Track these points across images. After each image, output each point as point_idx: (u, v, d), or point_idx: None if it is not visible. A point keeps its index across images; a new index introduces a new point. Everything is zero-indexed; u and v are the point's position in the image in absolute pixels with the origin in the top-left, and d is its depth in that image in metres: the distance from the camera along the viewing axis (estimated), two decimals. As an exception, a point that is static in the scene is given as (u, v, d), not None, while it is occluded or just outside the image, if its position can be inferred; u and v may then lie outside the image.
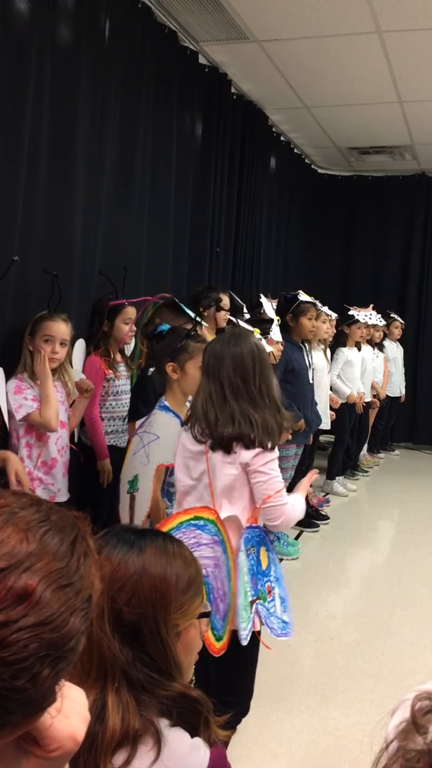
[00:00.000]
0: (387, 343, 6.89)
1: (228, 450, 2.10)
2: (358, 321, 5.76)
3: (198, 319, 2.98)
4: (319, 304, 4.86)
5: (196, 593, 1.25)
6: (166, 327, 2.82)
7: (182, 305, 3.11)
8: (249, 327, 3.14)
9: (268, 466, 2.10)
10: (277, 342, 3.81)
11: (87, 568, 0.74)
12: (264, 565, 2.17)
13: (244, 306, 4.46)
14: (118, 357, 3.47)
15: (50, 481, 2.93)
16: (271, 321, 3.73)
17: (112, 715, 1.09)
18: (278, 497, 2.11)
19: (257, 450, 2.08)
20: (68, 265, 3.23)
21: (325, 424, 5.33)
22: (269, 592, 2.16)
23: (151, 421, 2.75)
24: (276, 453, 2.12)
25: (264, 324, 3.63)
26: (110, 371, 3.38)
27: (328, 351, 5.47)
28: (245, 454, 2.09)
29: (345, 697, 2.89)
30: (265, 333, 3.55)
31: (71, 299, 3.18)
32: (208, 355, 2.18)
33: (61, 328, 2.90)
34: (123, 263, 3.61)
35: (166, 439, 2.63)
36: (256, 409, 2.09)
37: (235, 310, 4.04)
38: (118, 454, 3.30)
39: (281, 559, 4.33)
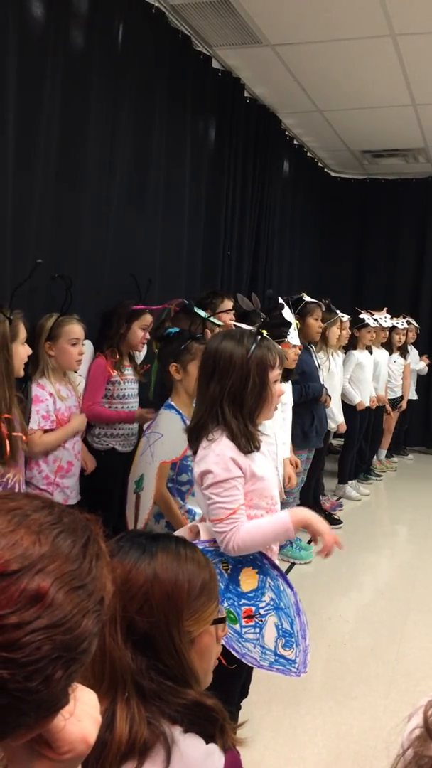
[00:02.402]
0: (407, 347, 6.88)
1: (194, 443, 2.04)
2: (368, 325, 5.75)
3: (213, 320, 3.01)
4: (322, 309, 4.82)
5: (210, 598, 1.23)
6: (173, 330, 2.86)
7: (195, 308, 3.13)
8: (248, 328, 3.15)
9: (211, 489, 1.96)
10: (294, 346, 3.79)
11: (99, 570, 0.74)
12: (245, 587, 2.00)
13: (258, 308, 4.44)
14: (126, 361, 3.48)
15: (66, 485, 2.96)
16: (289, 324, 3.72)
17: (119, 725, 1.08)
18: (219, 524, 1.95)
19: (202, 469, 1.98)
20: (77, 268, 3.24)
21: (341, 423, 5.31)
22: (249, 616, 1.98)
23: (156, 421, 2.80)
24: (230, 475, 1.96)
25: (282, 328, 3.62)
26: (115, 372, 3.38)
27: (337, 354, 5.44)
28: (196, 468, 2.02)
29: (358, 703, 2.87)
30: (281, 336, 3.54)
31: (79, 301, 3.19)
32: (204, 350, 2.16)
33: (81, 330, 2.97)
34: (136, 267, 3.63)
35: (168, 435, 2.70)
36: (230, 407, 1.99)
37: (245, 314, 4.03)
38: (125, 459, 3.31)
39: (293, 564, 4.31)
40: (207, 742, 1.14)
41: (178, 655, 1.16)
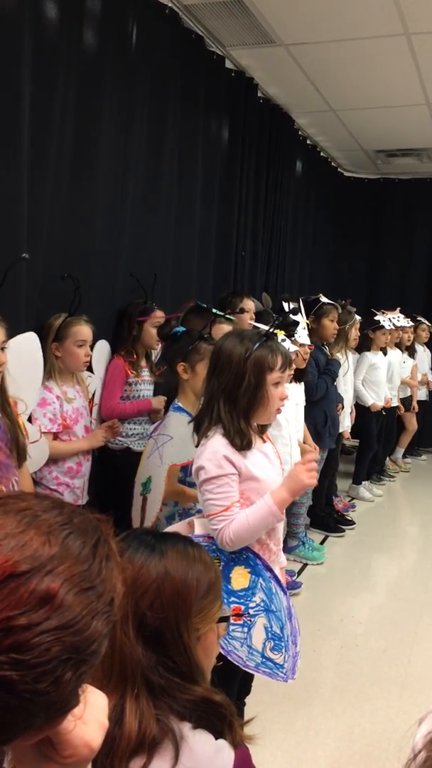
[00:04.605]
0: (416, 346, 6.83)
1: (197, 435, 2.07)
2: (383, 326, 5.71)
3: (227, 316, 3.01)
4: (339, 310, 4.80)
5: (216, 597, 1.25)
6: (180, 329, 2.85)
7: (204, 305, 3.13)
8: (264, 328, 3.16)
9: (204, 486, 1.99)
10: (303, 345, 3.79)
11: (109, 571, 0.73)
12: (235, 585, 2.00)
13: (269, 308, 4.45)
14: (143, 362, 3.48)
15: (76, 485, 2.97)
16: (297, 323, 3.72)
17: (129, 721, 1.09)
18: (213, 520, 1.97)
19: (197, 465, 2.01)
20: (90, 267, 3.25)
21: (348, 427, 5.29)
22: (238, 615, 1.97)
23: (165, 423, 2.79)
24: (222, 472, 1.97)
25: (290, 327, 3.62)
26: (133, 372, 3.38)
27: (351, 354, 5.41)
28: (194, 465, 2.05)
29: (371, 705, 2.86)
30: (290, 335, 3.54)
31: (92, 301, 3.20)
32: (212, 349, 2.20)
33: (89, 331, 2.95)
34: (149, 267, 3.63)
35: (178, 438, 2.69)
36: (225, 403, 2.01)
37: (261, 314, 4.04)
38: (137, 457, 3.32)
39: (305, 564, 4.30)
40: (216, 738, 1.15)
41: (186, 652, 1.18)
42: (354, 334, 5.17)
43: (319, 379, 4.38)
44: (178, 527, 2.13)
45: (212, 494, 1.97)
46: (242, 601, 1.99)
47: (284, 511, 2.03)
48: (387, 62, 4.49)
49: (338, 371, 4.60)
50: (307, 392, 4.12)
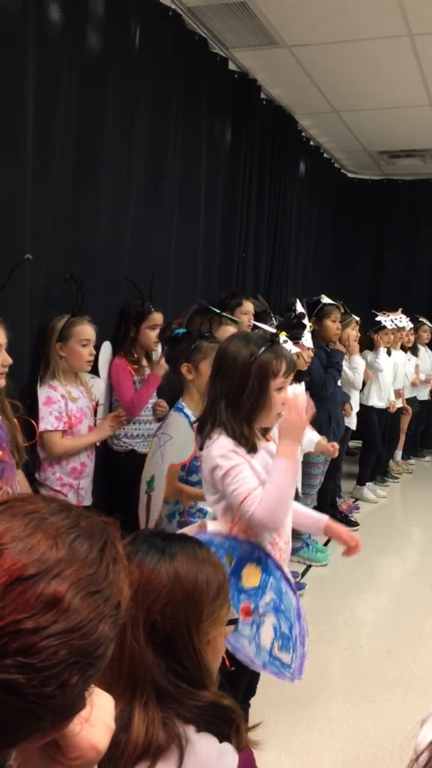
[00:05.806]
0: (418, 347, 6.82)
1: (201, 437, 2.08)
2: (385, 327, 5.69)
3: (227, 315, 3.02)
4: (341, 311, 4.80)
5: (225, 600, 1.25)
6: (181, 331, 2.86)
7: (209, 306, 3.14)
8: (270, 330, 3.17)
9: (224, 481, 1.99)
10: (308, 348, 3.79)
11: (116, 574, 0.74)
12: (246, 583, 2.00)
13: (267, 308, 4.45)
14: (144, 362, 3.49)
15: (80, 486, 2.97)
16: (303, 326, 3.72)
17: (136, 727, 1.09)
18: (243, 508, 1.96)
19: (210, 466, 2.01)
20: (93, 269, 3.25)
21: (353, 424, 5.29)
22: (247, 613, 1.97)
23: (167, 423, 2.81)
24: (234, 462, 1.98)
25: (295, 329, 3.62)
26: (136, 375, 3.40)
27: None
28: (204, 468, 2.06)
29: (375, 706, 2.86)
30: (296, 338, 3.54)
31: (95, 302, 3.20)
32: (217, 350, 2.20)
33: (92, 331, 2.97)
34: (151, 268, 3.63)
35: (177, 439, 2.71)
36: (227, 407, 2.02)
37: (260, 315, 4.04)
38: (142, 459, 3.32)
39: (309, 566, 4.30)
40: (221, 741, 1.15)
41: (196, 656, 1.17)
42: (353, 335, 5.16)
43: (326, 375, 4.37)
44: (189, 531, 2.13)
45: (233, 485, 1.97)
46: (252, 599, 1.99)
47: (298, 460, 2.05)
48: (390, 63, 4.50)
49: (342, 361, 4.58)
50: (317, 390, 4.11)
